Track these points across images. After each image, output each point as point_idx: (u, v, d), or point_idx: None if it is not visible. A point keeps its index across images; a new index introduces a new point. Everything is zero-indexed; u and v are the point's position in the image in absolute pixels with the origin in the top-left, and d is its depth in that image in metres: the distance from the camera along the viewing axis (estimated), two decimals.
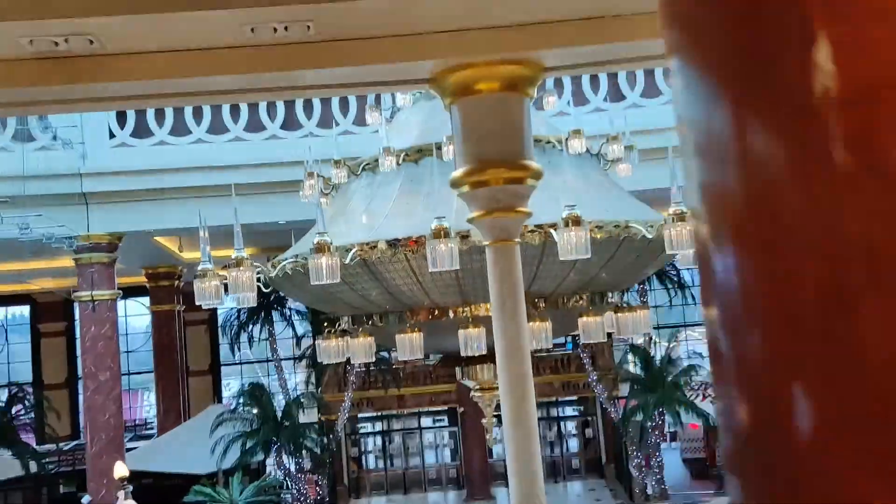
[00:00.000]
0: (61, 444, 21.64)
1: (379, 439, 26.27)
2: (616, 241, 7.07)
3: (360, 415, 24.39)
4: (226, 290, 8.02)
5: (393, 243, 6.92)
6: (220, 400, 26.23)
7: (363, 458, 26.08)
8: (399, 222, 7.21)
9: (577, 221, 6.23)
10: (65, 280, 20.45)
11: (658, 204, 8.40)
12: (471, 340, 7.21)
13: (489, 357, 7.97)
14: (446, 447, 25.94)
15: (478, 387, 8.65)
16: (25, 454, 16.69)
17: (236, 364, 28.02)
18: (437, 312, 7.71)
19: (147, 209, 13.34)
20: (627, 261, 7.70)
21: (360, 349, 7.81)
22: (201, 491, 12.84)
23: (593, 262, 7.04)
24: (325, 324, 21.37)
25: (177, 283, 21.65)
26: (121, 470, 5.96)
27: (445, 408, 24.90)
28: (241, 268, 7.18)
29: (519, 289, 4.17)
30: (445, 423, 25.84)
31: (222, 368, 28.84)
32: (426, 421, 26.45)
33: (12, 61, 3.36)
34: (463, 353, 7.30)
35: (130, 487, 6.08)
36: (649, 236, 6.96)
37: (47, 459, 18.50)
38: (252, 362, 27.31)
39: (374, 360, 8.55)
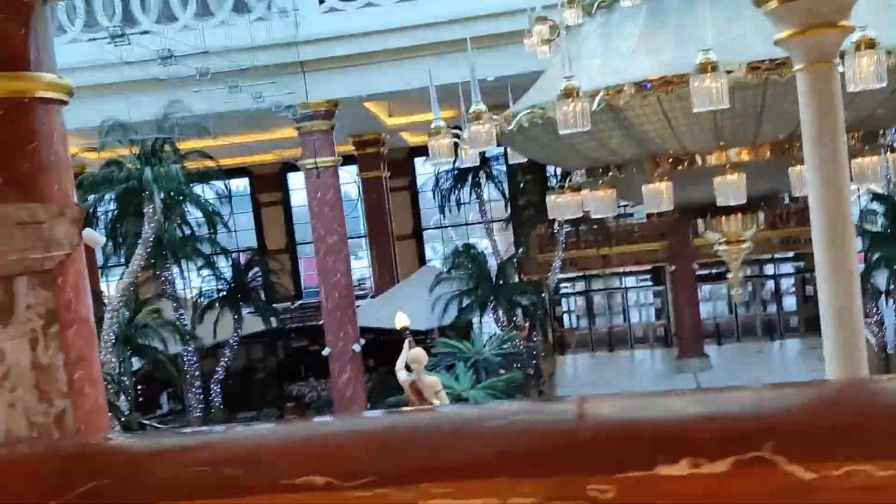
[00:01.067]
0: (288, 304, 23.59)
1: (581, 299, 26.39)
2: None
3: (561, 275, 24.44)
4: (455, 148, 7.90)
5: (642, 85, 6.38)
6: (423, 263, 27.22)
7: (566, 317, 26.42)
8: (645, 62, 6.61)
9: (870, 45, 5.39)
10: (283, 151, 21.58)
11: None
12: (728, 189, 6.66)
13: (745, 207, 7.40)
14: (651, 306, 25.66)
15: (723, 240, 8.11)
16: (266, 312, 18.29)
17: (436, 228, 28.88)
18: (685, 160, 7.16)
19: (359, 74, 13.45)
20: None
21: (600, 202, 7.50)
22: (448, 343, 13.47)
23: (872, 96, 6.16)
24: (523, 185, 21.17)
25: (381, 150, 22.20)
26: (402, 320, 6.16)
27: (650, 267, 24.44)
28: (480, 121, 6.97)
29: (839, 120, 3.57)
30: (650, 282, 25.45)
31: (424, 233, 29.77)
32: (629, 280, 26.17)
33: None
34: (719, 203, 6.79)
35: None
36: None
37: (282, 316, 20.22)
38: (453, 226, 27.92)
39: (615, 213, 8.20)
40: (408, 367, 6.27)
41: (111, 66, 11.46)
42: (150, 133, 12.69)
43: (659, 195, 6.90)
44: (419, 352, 6.33)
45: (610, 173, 7.62)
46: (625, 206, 14.09)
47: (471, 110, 6.83)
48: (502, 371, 13.01)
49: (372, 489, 0.74)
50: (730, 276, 8.56)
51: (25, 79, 4.37)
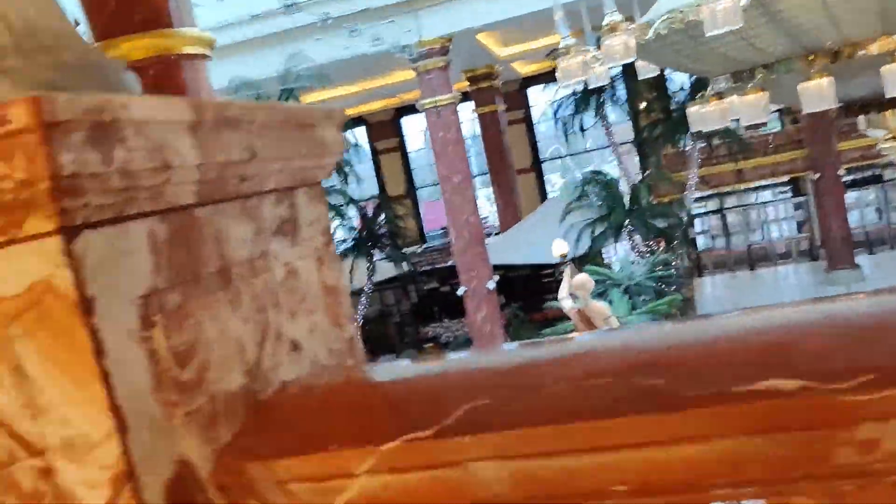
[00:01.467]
0: (415, 248, 23.85)
1: (715, 218, 25.28)
2: None
3: (691, 195, 23.43)
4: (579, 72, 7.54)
5: None
6: (544, 196, 26.79)
7: (700, 238, 25.41)
8: None
9: None
10: (403, 95, 21.56)
11: None
12: None
13: None
14: (792, 219, 24.30)
15: (890, 136, 7.43)
16: (397, 257, 18.54)
17: (554, 159, 28.33)
18: (844, 51, 6.53)
19: (471, 4, 13.08)
20: None
21: (751, 108, 6.99)
22: (595, 271, 13.20)
23: None
24: (648, 103, 20.18)
25: (495, 83, 21.77)
26: (560, 247, 6.01)
27: (788, 178, 23.06)
28: (616, 32, 6.59)
29: None
30: (789, 193, 24.04)
31: (542, 165, 29.23)
32: (764, 194, 24.82)
33: None
34: (888, 95, 6.18)
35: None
36: None
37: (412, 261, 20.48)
38: (572, 155, 27.29)
39: (767, 119, 7.64)
40: (572, 296, 6.11)
41: (234, 26, 11.62)
42: (274, 88, 12.87)
43: (819, 92, 6.35)
44: (585, 277, 6.10)
45: (758, 75, 7.09)
46: None
47: (605, 22, 6.48)
48: (655, 295, 12.63)
49: (874, 391, 0.58)
50: None
51: (169, 35, 4.35)
